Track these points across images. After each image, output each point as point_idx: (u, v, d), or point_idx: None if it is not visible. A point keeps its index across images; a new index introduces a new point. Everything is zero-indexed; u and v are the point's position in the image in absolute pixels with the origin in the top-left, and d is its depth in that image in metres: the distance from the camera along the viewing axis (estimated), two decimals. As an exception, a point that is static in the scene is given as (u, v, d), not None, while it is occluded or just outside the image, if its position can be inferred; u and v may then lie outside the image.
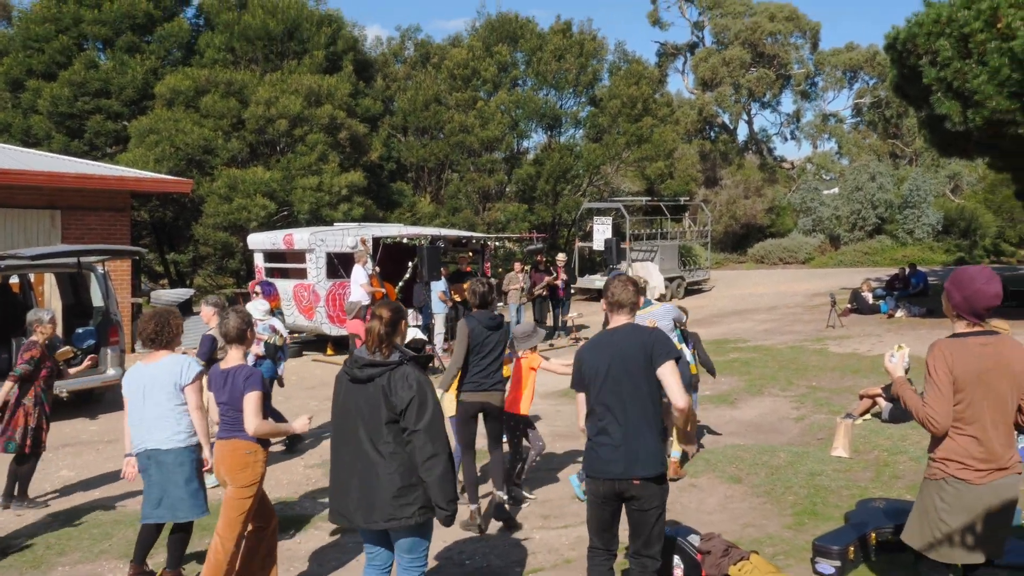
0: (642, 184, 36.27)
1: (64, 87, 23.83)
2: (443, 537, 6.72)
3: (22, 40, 25.03)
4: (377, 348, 4.44)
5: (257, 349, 9.09)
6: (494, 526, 6.98)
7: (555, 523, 7.02)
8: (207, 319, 8.20)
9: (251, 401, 5.25)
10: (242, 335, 5.49)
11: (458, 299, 17.29)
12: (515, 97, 31.20)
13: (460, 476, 7.29)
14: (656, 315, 8.00)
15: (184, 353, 7.27)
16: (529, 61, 32.37)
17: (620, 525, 4.64)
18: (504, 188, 32.25)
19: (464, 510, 6.90)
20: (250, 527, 5.48)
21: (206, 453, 5.68)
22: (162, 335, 5.68)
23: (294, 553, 6.52)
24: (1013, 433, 4.00)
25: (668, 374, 4.42)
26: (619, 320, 4.63)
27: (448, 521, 4.35)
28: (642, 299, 8.87)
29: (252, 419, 5.23)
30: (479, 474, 7.40)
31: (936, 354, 3.96)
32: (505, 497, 7.06)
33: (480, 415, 7.07)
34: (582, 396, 4.62)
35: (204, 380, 7.51)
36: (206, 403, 7.77)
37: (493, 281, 7.31)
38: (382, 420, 4.31)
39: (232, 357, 5.48)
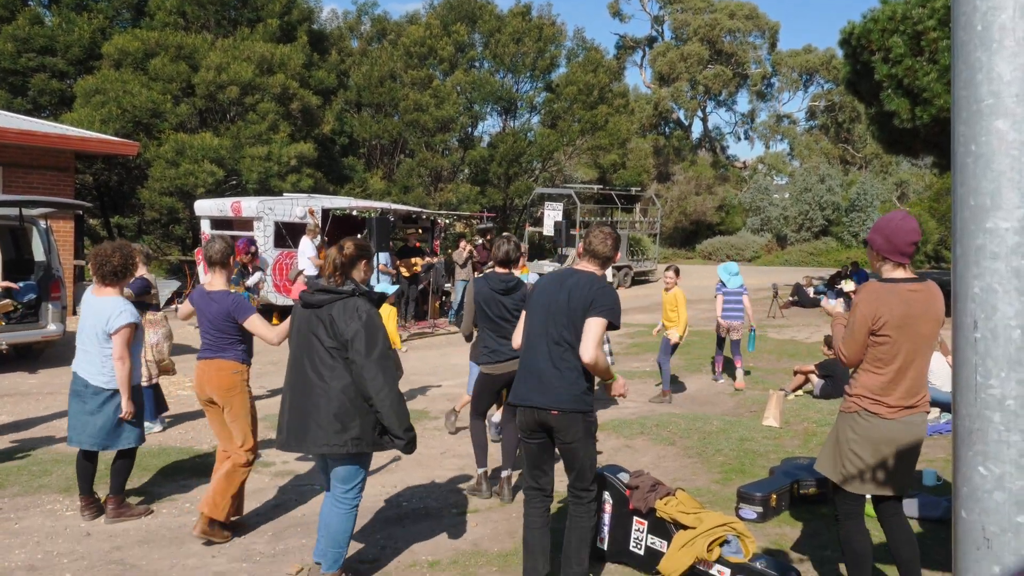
0: (594, 173, 36.66)
1: (7, 42, 23.44)
2: (382, 482, 6.94)
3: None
4: (332, 276, 4.62)
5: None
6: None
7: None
8: None
9: (256, 322, 5.53)
10: (225, 260, 5.68)
11: (406, 274, 17.42)
12: (471, 78, 31.38)
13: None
14: None
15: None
16: (487, 43, 32.57)
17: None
18: (457, 170, 32.39)
19: (472, 473, 7.04)
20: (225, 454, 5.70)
21: (124, 403, 5.72)
22: (127, 270, 5.86)
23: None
24: (926, 374, 4.31)
25: (593, 326, 4.40)
26: (587, 267, 4.67)
27: (408, 448, 4.58)
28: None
29: (266, 335, 5.47)
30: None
31: (863, 297, 4.19)
32: (513, 475, 6.78)
33: (504, 389, 6.67)
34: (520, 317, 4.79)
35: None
36: (155, 343, 7.89)
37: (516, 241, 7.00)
38: (327, 346, 4.50)
39: (216, 281, 5.67)
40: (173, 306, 18.81)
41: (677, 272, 10.81)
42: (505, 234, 7.09)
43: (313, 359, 4.53)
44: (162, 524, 5.90)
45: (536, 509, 4.71)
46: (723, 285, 11.73)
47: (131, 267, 5.87)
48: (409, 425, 4.59)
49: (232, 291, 5.71)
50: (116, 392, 5.74)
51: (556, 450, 4.67)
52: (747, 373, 11.97)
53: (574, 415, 4.47)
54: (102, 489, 6.13)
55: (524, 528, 4.72)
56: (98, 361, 5.72)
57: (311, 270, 15.11)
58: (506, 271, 6.65)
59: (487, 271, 6.86)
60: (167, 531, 5.77)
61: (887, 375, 4.18)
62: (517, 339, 4.84)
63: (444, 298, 18.84)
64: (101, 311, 5.71)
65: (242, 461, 5.58)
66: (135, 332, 5.80)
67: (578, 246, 4.95)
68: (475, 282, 6.66)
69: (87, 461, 5.94)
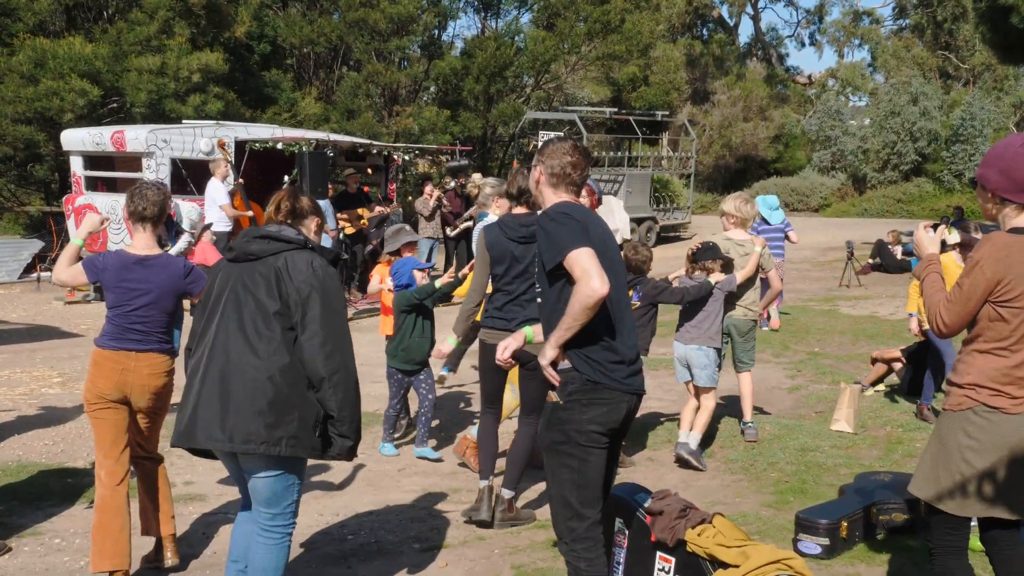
0: (607, 92, 36.62)
1: None
2: (320, 507, 7.00)
3: None
4: (280, 221, 4.79)
5: None
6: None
7: (470, 497, 7.31)
8: None
9: None
10: (160, 215, 5.76)
11: (350, 231, 17.36)
12: (438, -40, 31.26)
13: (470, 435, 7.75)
14: None
15: None
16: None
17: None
18: (419, 87, 32.24)
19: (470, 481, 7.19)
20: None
21: None
22: None
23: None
24: None
25: None
26: (569, 198, 4.75)
27: (351, 453, 4.72)
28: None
29: None
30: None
31: (987, 252, 4.15)
32: (509, 494, 6.84)
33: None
34: (590, 251, 4.36)
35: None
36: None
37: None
38: (267, 310, 4.55)
39: (146, 243, 5.76)
40: (34, 273, 18.81)
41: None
42: (521, 168, 7.07)
43: (244, 328, 4.56)
44: (23, 567, 5.95)
45: (604, 548, 4.69)
46: (763, 222, 12.75)
47: None
48: (360, 425, 4.72)
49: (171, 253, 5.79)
50: None
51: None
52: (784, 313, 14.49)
53: None
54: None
55: None
56: None
57: (222, 224, 15.11)
58: (526, 211, 6.67)
59: (503, 216, 6.88)
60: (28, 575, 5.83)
61: (1016, 358, 4.18)
62: (599, 278, 4.38)
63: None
64: None
65: (160, 458, 5.86)
66: None
67: (536, 172, 4.84)
68: (487, 230, 6.72)
69: None
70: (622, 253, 7.41)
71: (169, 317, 5.70)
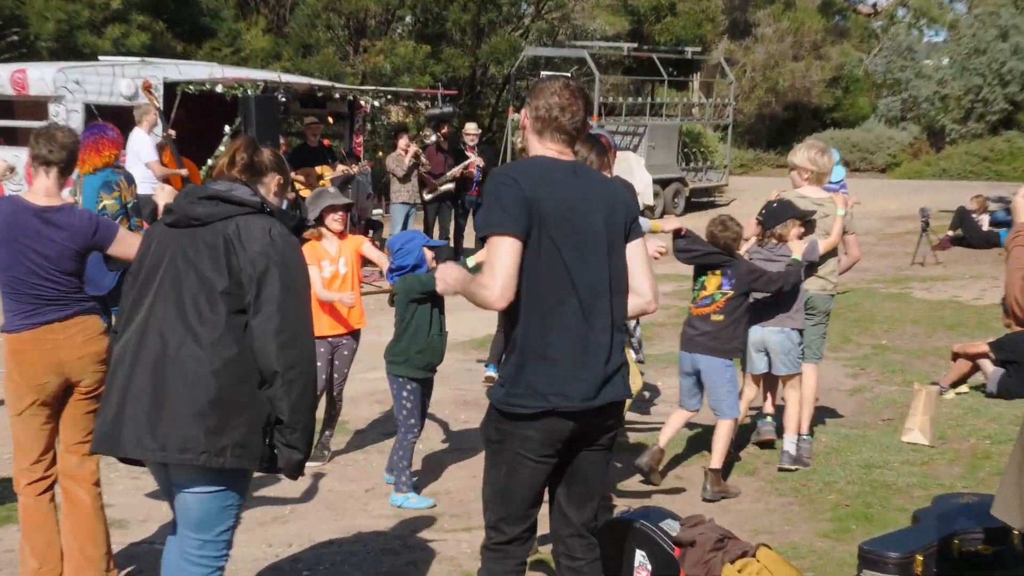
0: (625, 23, 36.51)
1: None
2: (268, 536, 6.99)
3: None
4: (234, 176, 4.70)
5: None
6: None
7: (454, 524, 7.33)
8: None
9: (128, 240, 5.86)
10: (71, 160, 5.80)
11: (305, 193, 17.31)
12: None
13: None
14: None
15: None
16: None
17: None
18: (393, 16, 32.19)
19: None
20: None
21: None
22: None
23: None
24: None
25: (645, 256, 4.74)
26: (559, 153, 4.68)
27: (297, 470, 4.65)
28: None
29: None
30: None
31: None
32: None
33: None
34: (513, 244, 4.36)
35: None
36: None
37: None
38: (213, 287, 4.44)
39: (48, 189, 5.72)
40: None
41: None
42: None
43: (184, 310, 4.46)
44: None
45: (521, 567, 4.79)
46: None
47: None
48: (312, 437, 4.70)
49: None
50: None
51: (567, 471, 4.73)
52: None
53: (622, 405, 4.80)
54: None
55: None
56: None
57: (148, 185, 15.07)
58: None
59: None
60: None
61: None
62: (500, 288, 4.39)
63: (371, 234, 18.83)
64: None
65: (94, 480, 5.85)
66: None
67: (522, 115, 4.82)
68: None
69: None
70: (706, 230, 7.69)
71: (78, 277, 5.69)
